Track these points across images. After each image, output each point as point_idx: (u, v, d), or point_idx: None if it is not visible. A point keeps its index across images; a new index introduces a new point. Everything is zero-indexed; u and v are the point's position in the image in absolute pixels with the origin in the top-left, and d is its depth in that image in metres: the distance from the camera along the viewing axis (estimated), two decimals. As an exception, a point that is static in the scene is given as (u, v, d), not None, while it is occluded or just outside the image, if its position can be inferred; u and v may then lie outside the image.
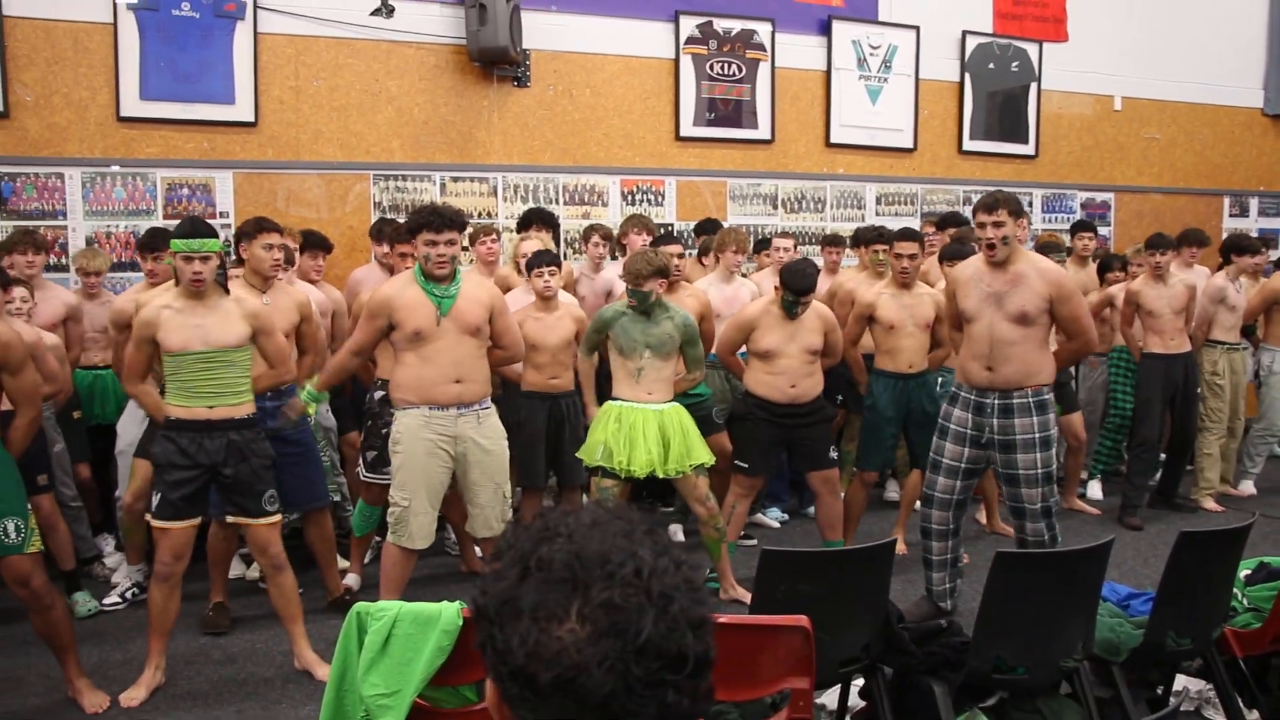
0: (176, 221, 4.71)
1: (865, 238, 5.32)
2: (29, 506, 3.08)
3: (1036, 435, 3.55)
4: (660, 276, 3.88)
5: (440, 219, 3.36)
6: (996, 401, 3.59)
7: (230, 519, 3.41)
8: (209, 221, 3.51)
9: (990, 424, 3.60)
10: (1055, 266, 3.69)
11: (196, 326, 3.18)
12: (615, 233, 5.40)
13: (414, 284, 3.44)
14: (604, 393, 4.13)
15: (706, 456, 3.91)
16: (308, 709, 3.11)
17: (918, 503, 4.07)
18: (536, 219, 5.16)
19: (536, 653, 0.76)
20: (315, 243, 4.66)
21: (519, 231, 5.18)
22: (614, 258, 5.37)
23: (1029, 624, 2.53)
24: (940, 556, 3.82)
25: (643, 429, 3.79)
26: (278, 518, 3.37)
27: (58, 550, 3.91)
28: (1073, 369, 5.57)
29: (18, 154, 4.95)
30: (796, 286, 3.99)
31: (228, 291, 3.32)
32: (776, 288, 4.12)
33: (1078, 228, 6.21)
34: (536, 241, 4.68)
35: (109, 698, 3.16)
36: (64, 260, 4.96)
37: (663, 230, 5.54)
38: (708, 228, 5.67)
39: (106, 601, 4.01)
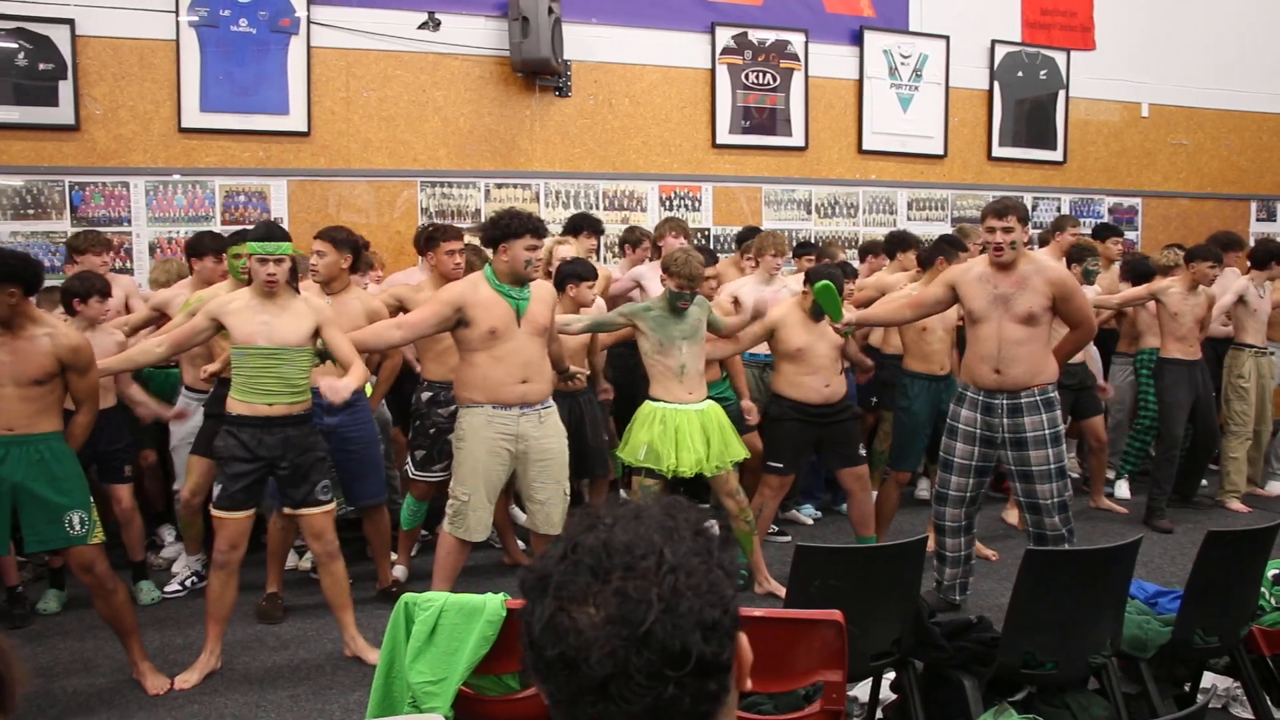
0: (232, 227, 4.94)
1: (920, 252, 5.04)
2: (92, 499, 3.19)
3: (1047, 432, 3.62)
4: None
5: (542, 224, 3.49)
6: (1005, 402, 3.66)
7: (287, 510, 3.48)
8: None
9: (1001, 423, 3.67)
10: (1055, 264, 3.76)
11: (264, 323, 3.28)
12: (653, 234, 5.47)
13: (485, 284, 3.49)
14: (635, 391, 4.21)
15: (743, 452, 3.99)
16: (357, 694, 3.18)
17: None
18: (586, 226, 5.17)
19: (550, 628, 0.79)
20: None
21: (564, 235, 5.17)
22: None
23: (1058, 620, 2.55)
24: (954, 553, 3.88)
25: (688, 430, 3.84)
26: (332, 506, 3.44)
27: (130, 542, 4.04)
28: (1100, 370, 5.60)
29: (88, 164, 5.15)
30: None
31: (298, 292, 3.43)
32: (805, 291, 4.14)
33: (1103, 232, 6.20)
34: (570, 247, 4.70)
35: (170, 681, 3.25)
36: (129, 264, 5.15)
37: (699, 237, 5.59)
38: (748, 236, 5.71)
39: (168, 589, 4.13)
